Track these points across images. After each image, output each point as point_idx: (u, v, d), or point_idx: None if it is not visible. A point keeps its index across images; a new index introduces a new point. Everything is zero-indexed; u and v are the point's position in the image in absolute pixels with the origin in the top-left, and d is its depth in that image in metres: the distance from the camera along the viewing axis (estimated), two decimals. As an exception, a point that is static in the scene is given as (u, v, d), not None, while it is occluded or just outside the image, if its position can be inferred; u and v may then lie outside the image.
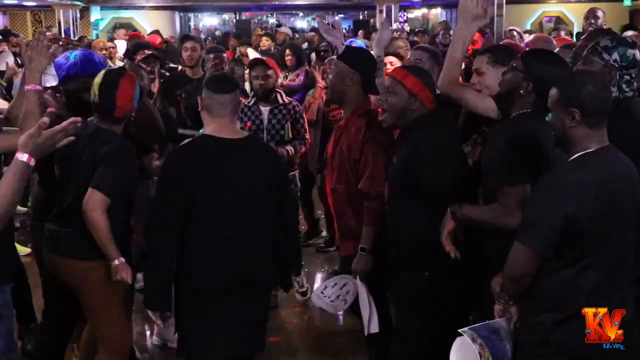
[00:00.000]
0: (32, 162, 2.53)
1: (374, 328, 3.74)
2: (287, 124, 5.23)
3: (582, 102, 2.50)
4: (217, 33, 23.23)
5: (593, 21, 6.02)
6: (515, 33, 7.48)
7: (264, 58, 5.77)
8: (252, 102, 5.28)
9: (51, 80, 3.41)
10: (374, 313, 3.73)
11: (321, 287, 3.99)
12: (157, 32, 11.12)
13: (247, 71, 8.89)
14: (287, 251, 3.53)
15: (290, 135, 5.24)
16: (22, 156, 2.52)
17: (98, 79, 3.48)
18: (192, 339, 3.31)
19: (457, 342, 2.75)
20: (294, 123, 5.30)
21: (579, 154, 2.54)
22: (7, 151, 3.05)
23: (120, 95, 3.44)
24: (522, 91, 2.95)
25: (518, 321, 2.73)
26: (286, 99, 5.37)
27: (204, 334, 3.28)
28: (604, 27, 5.83)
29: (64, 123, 2.67)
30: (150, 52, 5.55)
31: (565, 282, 2.53)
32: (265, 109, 5.24)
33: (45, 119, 2.61)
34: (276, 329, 4.85)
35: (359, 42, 8.00)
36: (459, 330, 2.70)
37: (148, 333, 4.98)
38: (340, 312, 4.18)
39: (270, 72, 5.28)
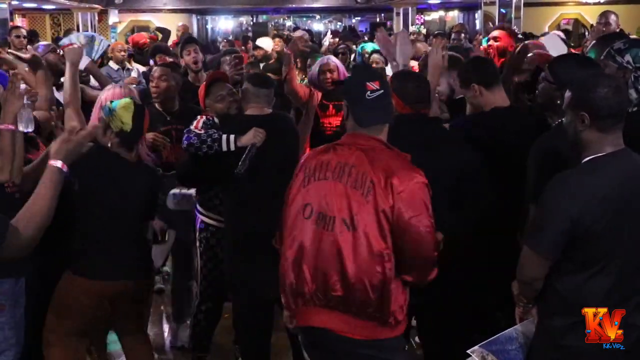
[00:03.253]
0: (65, 168, 2.57)
1: None
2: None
3: (591, 105, 2.47)
4: (250, 35, 23.26)
5: (604, 28, 5.96)
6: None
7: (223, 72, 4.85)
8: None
9: (22, 127, 3.52)
10: None
11: None
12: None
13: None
14: None
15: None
16: (56, 162, 2.55)
17: (128, 108, 3.57)
18: None
19: None
20: None
21: (589, 158, 2.52)
22: None
23: (146, 125, 3.69)
24: (558, 101, 2.95)
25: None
26: None
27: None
28: (617, 30, 5.78)
29: (90, 128, 2.75)
30: (170, 61, 5.61)
31: (576, 286, 2.52)
32: None
33: (76, 124, 2.70)
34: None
35: (368, 46, 8.02)
36: (468, 351, 2.67)
37: (165, 334, 5.01)
38: None
39: (230, 85, 4.39)
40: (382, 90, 2.66)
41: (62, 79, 4.82)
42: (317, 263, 2.65)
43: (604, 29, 5.85)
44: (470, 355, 2.67)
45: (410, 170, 2.62)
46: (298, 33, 11.64)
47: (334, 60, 5.64)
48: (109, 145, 3.58)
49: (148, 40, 10.39)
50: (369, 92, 2.63)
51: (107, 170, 3.57)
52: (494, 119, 3.56)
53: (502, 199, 3.31)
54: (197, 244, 4.28)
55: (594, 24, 6.39)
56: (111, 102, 3.68)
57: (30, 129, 3.58)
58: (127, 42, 10.28)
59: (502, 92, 3.68)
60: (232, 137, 3.72)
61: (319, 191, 2.66)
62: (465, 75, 3.74)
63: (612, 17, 5.99)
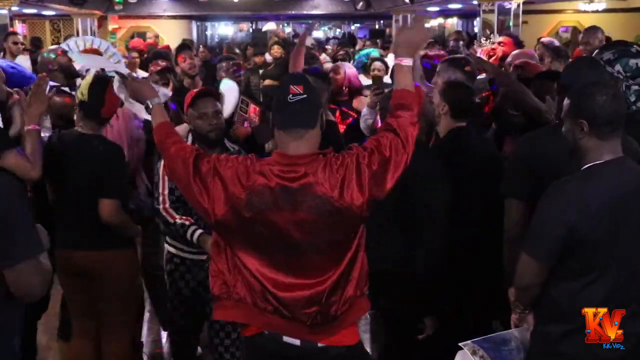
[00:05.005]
0: (38, 127, 3.40)
1: None
2: None
3: (590, 113, 2.49)
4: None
5: (587, 46, 6.01)
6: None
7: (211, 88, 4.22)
8: None
9: (45, 131, 3.60)
10: None
11: None
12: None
13: (262, 82, 9.01)
14: None
15: None
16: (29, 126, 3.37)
17: (87, 80, 3.69)
18: None
19: (459, 356, 2.73)
20: None
21: (587, 165, 2.54)
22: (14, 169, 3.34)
23: (109, 96, 3.67)
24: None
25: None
26: (233, 145, 3.99)
27: None
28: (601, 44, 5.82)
29: (34, 86, 3.41)
30: (164, 64, 5.62)
31: (572, 294, 2.53)
32: None
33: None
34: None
35: (375, 51, 8.03)
36: (460, 344, 2.69)
37: (164, 340, 5.00)
38: None
39: (220, 106, 3.84)
40: (305, 95, 2.55)
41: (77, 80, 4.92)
42: None
43: (586, 47, 5.86)
44: (462, 348, 2.69)
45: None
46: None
47: (346, 65, 5.73)
48: (76, 119, 3.78)
49: (146, 47, 10.44)
50: (291, 95, 2.54)
51: (60, 144, 3.69)
52: (453, 140, 3.71)
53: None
54: (166, 276, 3.96)
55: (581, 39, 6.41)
56: None
57: (47, 134, 3.69)
58: (127, 48, 10.30)
59: (464, 122, 3.78)
60: (196, 233, 3.52)
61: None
62: (445, 90, 3.81)
63: (593, 38, 6.00)
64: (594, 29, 6.16)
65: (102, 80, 3.68)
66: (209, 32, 26.24)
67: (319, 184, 2.49)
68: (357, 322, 2.76)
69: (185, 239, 3.55)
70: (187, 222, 3.54)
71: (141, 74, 8.23)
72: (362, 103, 5.41)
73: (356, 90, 5.73)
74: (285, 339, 2.65)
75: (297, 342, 2.64)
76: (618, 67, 3.19)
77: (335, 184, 2.49)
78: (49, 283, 2.46)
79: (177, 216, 3.57)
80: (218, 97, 3.85)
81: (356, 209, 2.51)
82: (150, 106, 2.95)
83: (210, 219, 2.59)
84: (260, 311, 2.62)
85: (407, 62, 2.77)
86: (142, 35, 15.81)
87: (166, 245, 3.90)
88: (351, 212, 2.51)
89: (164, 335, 5.02)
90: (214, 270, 2.71)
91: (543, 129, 3.13)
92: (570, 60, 5.45)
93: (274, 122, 2.62)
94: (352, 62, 8.58)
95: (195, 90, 4.04)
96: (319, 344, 2.64)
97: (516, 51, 5.56)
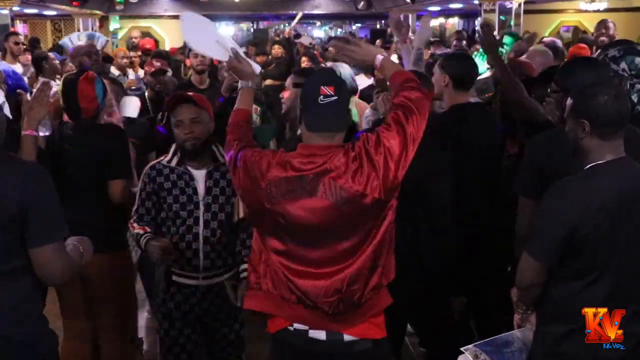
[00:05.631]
0: (35, 133, 3.38)
1: None
2: (235, 197, 3.38)
3: (591, 113, 2.49)
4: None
5: (604, 31, 6.05)
6: None
7: (191, 94, 3.56)
8: (174, 162, 3.47)
9: (43, 130, 3.62)
10: None
11: None
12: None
13: (264, 82, 9.01)
14: None
15: (241, 214, 3.40)
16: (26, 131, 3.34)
17: (60, 87, 3.77)
18: None
19: None
20: None
21: (589, 165, 2.53)
22: None
23: (81, 96, 3.67)
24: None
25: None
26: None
27: None
28: (616, 37, 5.86)
29: (37, 90, 3.37)
30: (159, 65, 5.62)
31: (572, 294, 2.53)
32: (199, 173, 3.44)
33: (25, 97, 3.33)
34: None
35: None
36: (461, 349, 2.68)
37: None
38: None
39: (203, 114, 3.42)
40: (336, 97, 2.56)
41: None
42: None
43: (604, 38, 5.90)
44: (463, 353, 2.67)
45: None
46: (304, 40, 11.66)
47: (343, 66, 5.64)
48: None
49: (148, 45, 10.49)
50: (322, 96, 2.55)
51: (59, 137, 3.72)
52: (454, 114, 3.76)
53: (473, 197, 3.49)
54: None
55: (594, 33, 6.47)
56: None
57: (47, 133, 3.70)
58: (129, 48, 10.32)
59: (467, 96, 3.84)
60: (144, 239, 3.38)
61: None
62: (445, 62, 3.88)
63: (610, 24, 6.07)
64: (604, 20, 6.24)
65: (69, 84, 3.72)
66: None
67: (334, 172, 2.51)
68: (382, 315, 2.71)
69: (139, 243, 3.48)
70: (141, 231, 3.46)
71: (142, 73, 8.25)
72: (361, 107, 5.39)
73: (354, 91, 5.69)
74: (311, 333, 2.65)
75: (322, 336, 2.64)
76: (623, 65, 3.18)
77: (351, 172, 2.51)
78: (70, 271, 2.57)
79: (137, 226, 3.50)
80: (201, 102, 3.45)
81: (371, 196, 2.51)
82: (240, 87, 3.08)
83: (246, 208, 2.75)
84: (285, 302, 2.65)
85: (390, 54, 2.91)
86: (143, 35, 15.81)
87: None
88: (367, 199, 2.51)
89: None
90: (251, 260, 2.76)
91: (555, 129, 3.11)
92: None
93: (302, 121, 2.64)
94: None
95: (172, 95, 3.86)
96: (345, 338, 2.63)
97: (536, 46, 5.55)
